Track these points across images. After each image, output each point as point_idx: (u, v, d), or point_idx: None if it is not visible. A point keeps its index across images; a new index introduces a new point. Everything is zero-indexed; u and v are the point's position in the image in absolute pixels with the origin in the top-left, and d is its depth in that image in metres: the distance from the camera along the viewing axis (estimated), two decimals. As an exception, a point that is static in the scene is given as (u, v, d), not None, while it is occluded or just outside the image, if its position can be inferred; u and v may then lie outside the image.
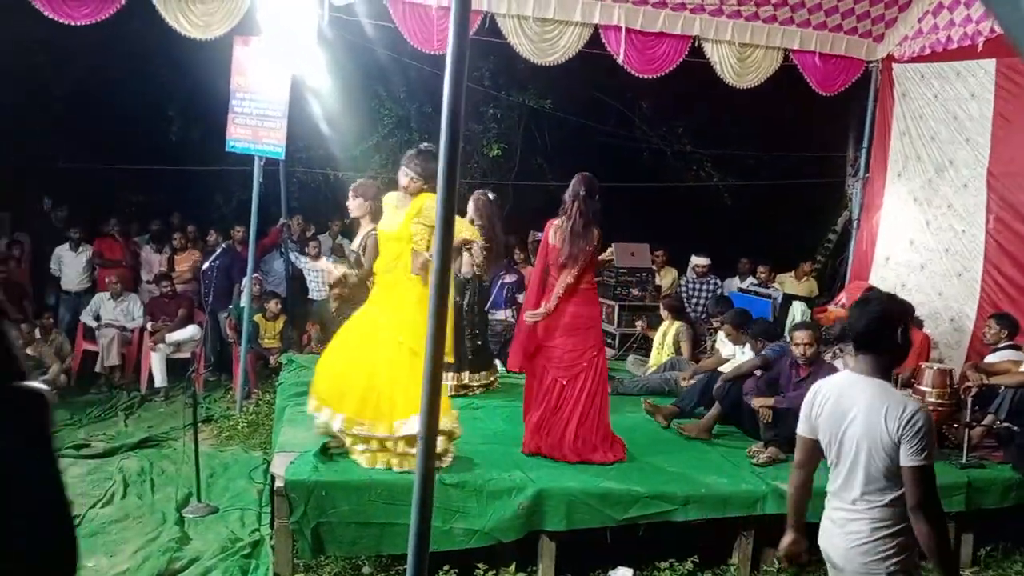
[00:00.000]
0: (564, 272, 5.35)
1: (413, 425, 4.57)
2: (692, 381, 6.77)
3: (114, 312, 9.15)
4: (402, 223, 4.97)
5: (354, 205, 5.42)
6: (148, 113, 11.59)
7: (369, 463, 4.84)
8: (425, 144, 5.20)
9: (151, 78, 11.33)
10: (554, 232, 5.45)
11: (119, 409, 8.17)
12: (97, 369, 8.88)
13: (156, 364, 8.71)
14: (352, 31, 8.44)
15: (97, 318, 9.10)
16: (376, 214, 5.38)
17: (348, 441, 4.90)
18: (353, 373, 4.91)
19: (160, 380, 8.69)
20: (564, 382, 5.38)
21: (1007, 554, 5.49)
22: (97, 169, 11.13)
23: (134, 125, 11.67)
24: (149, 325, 8.96)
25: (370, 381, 4.86)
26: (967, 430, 5.70)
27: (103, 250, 9.92)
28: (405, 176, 5.05)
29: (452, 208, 2.53)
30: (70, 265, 9.69)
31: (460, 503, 4.70)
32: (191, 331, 9.02)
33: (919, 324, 7.51)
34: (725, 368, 6.74)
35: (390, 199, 5.20)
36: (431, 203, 4.81)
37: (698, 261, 9.91)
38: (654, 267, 9.97)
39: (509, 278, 9.09)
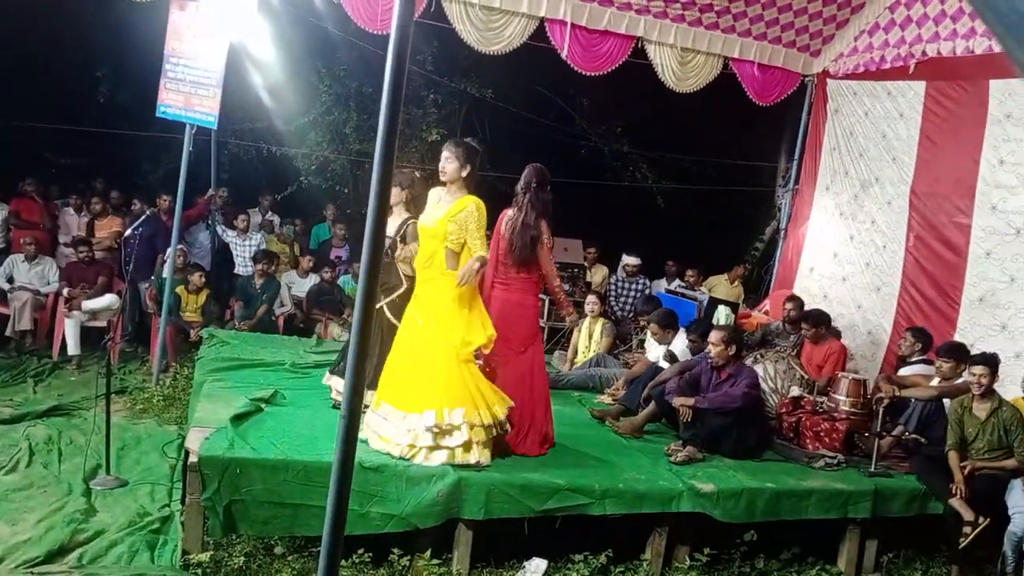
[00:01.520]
0: (546, 271, 5.45)
1: (429, 418, 4.77)
2: (622, 392, 6.83)
3: (28, 275, 8.82)
4: (440, 219, 4.95)
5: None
6: (76, 72, 11.17)
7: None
8: (468, 139, 5.26)
9: (82, 36, 10.92)
10: (506, 224, 5.44)
11: (28, 375, 7.86)
12: (7, 333, 8.57)
13: (70, 331, 8.40)
14: (296, 3, 8.28)
15: (10, 280, 8.77)
16: (414, 205, 5.56)
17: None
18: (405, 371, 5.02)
19: (73, 348, 8.39)
20: (493, 368, 5.37)
21: (908, 561, 5.67)
22: (17, 126, 10.70)
23: (61, 84, 11.23)
24: (65, 291, 8.65)
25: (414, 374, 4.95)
26: (877, 439, 5.86)
27: (20, 210, 9.55)
28: (444, 159, 5.04)
29: (387, 188, 2.50)
30: (-16, 225, 9.32)
31: (378, 487, 4.65)
32: (109, 300, 8.74)
33: (837, 334, 7.72)
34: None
35: (433, 194, 5.18)
36: (473, 207, 4.89)
37: (629, 260, 10.01)
38: (586, 263, 10.05)
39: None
